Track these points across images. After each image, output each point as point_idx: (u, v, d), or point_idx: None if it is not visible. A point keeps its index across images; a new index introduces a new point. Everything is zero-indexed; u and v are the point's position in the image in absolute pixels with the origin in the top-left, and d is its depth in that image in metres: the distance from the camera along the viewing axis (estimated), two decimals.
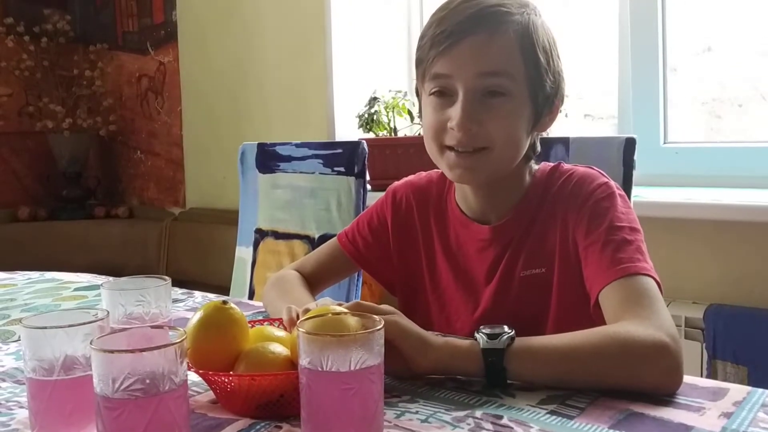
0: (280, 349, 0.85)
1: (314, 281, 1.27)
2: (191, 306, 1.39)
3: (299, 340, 0.70)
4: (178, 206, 3.35)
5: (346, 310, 0.86)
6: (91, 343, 0.65)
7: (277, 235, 1.82)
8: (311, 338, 0.69)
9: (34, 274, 1.75)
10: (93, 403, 0.68)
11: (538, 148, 1.13)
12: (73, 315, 0.80)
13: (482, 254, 1.13)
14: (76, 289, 1.55)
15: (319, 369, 0.68)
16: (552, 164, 1.14)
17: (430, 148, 1.09)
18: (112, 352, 0.64)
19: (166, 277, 0.97)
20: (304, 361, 0.70)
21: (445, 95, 1.05)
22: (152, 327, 0.71)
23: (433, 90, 1.06)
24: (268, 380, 0.80)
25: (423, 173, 1.26)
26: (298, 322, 0.72)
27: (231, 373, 0.83)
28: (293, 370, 0.83)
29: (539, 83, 1.05)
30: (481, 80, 1.02)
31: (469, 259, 1.15)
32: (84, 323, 0.74)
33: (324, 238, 1.72)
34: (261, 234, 1.86)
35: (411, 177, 1.26)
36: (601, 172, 1.12)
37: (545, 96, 1.07)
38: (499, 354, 0.88)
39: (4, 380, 0.98)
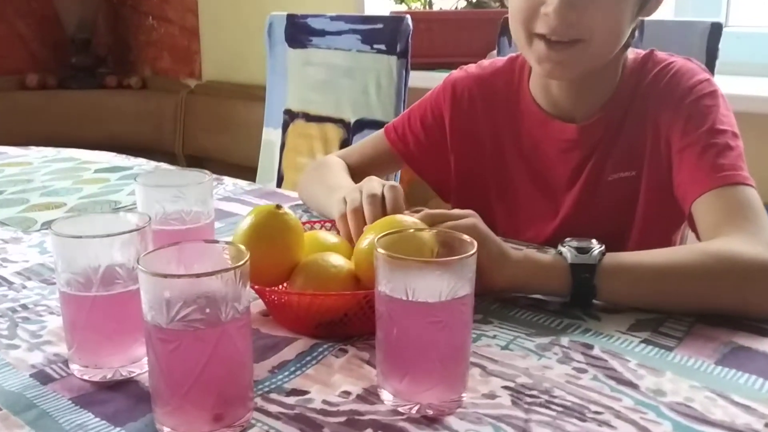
0: (341, 262, 0.75)
1: (357, 175, 1.16)
2: (222, 194, 1.29)
3: (377, 262, 0.60)
4: (194, 78, 3.18)
5: (415, 220, 0.76)
6: (138, 263, 0.55)
7: (309, 118, 1.69)
8: (395, 263, 0.59)
9: (50, 152, 1.64)
10: (137, 320, 0.59)
11: (636, 34, 0.98)
12: (109, 219, 0.70)
13: (565, 156, 1.01)
14: (96, 171, 1.45)
15: (403, 299, 0.58)
16: (644, 52, 1.00)
17: (517, 35, 0.95)
18: (165, 276, 0.53)
19: (207, 172, 0.86)
20: (383, 287, 0.60)
21: None
22: (206, 242, 0.61)
23: None
24: (332, 299, 0.71)
25: (485, 62, 1.12)
26: (376, 240, 0.61)
27: (290, 290, 0.74)
28: (356, 286, 0.74)
29: None
30: None
31: (549, 161, 1.03)
32: (127, 232, 0.64)
33: (360, 123, 1.60)
34: (291, 115, 1.73)
35: (471, 67, 1.12)
36: (702, 66, 0.98)
37: None
38: (591, 270, 0.78)
39: (29, 278, 0.90)
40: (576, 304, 0.80)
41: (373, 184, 0.86)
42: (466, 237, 0.63)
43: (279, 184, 1.74)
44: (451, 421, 0.60)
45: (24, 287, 0.87)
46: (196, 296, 0.54)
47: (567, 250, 0.80)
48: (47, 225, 1.09)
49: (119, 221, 0.70)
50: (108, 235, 0.63)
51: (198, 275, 0.53)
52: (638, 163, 0.99)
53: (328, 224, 0.91)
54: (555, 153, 1.02)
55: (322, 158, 1.21)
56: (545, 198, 1.05)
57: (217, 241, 0.60)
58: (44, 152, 1.64)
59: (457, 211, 0.82)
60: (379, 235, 0.62)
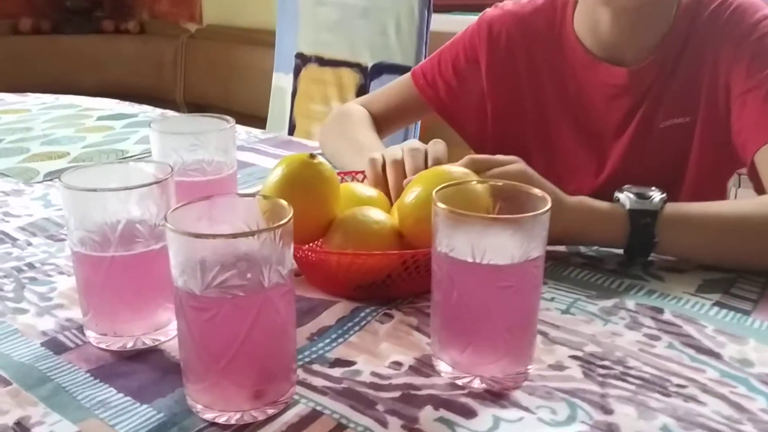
0: (382, 217, 0.68)
1: (381, 124, 1.08)
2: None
3: (436, 218, 0.53)
4: (195, 22, 3.06)
5: (464, 170, 0.68)
6: (165, 220, 0.47)
7: (322, 62, 1.60)
8: (460, 219, 0.51)
9: (48, 98, 1.55)
10: (161, 282, 0.52)
11: None
12: (123, 170, 0.62)
13: (614, 103, 0.93)
14: (99, 118, 1.36)
15: (468, 260, 0.51)
16: None
17: None
18: (199, 236, 0.46)
19: (228, 118, 0.78)
20: (444, 247, 0.52)
21: None
22: (241, 196, 0.53)
23: None
24: (376, 259, 0.63)
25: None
26: (435, 193, 0.54)
27: (328, 249, 0.66)
28: (399, 243, 0.67)
29: None
30: None
31: (595, 108, 0.95)
32: (149, 184, 0.56)
33: (378, 67, 1.50)
34: (303, 59, 1.63)
35: (508, 4, 1.02)
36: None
37: None
38: (652, 217, 0.71)
39: (34, 234, 0.82)
40: (633, 256, 0.74)
41: (415, 142, 0.80)
42: (535, 191, 0.55)
43: (291, 132, 1.65)
44: (519, 396, 0.53)
45: (29, 244, 0.80)
46: (235, 259, 0.47)
47: (625, 196, 0.73)
48: (50, 176, 1.02)
49: (135, 172, 0.63)
50: (127, 188, 0.55)
51: (237, 235, 0.46)
52: (693, 108, 0.91)
53: (359, 176, 0.83)
54: (602, 99, 0.94)
55: (343, 107, 1.12)
56: (590, 148, 0.97)
57: (252, 195, 0.53)
58: (42, 99, 1.55)
59: (501, 157, 0.75)
60: (437, 188, 0.55)
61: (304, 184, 0.67)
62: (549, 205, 0.52)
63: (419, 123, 1.43)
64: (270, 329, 0.49)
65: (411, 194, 0.66)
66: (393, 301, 0.67)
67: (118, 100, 1.54)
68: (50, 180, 1.00)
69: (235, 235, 0.46)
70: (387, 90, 1.12)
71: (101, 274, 0.57)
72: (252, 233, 0.46)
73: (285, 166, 0.67)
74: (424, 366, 0.57)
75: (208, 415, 0.50)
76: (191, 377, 0.50)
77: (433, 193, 0.54)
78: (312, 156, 0.68)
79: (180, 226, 0.47)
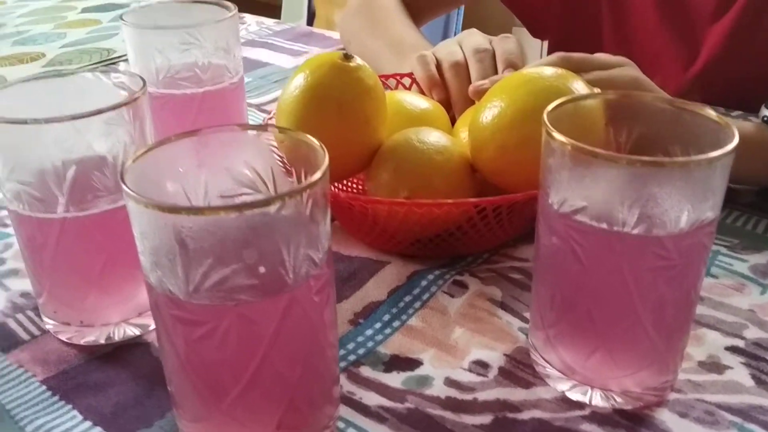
0: (447, 143, 0.49)
1: (416, 11, 0.86)
2: (244, 37, 1.00)
3: (552, 158, 0.34)
4: None
5: (559, 71, 0.48)
6: (123, 179, 0.29)
7: None
8: (596, 164, 0.32)
9: None
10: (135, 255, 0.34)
11: None
12: (86, 83, 0.43)
13: None
14: (84, 10, 1.15)
15: (606, 228, 0.32)
16: None
17: None
18: (172, 210, 0.27)
19: (230, 4, 0.58)
20: (564, 205, 0.34)
21: None
22: (242, 127, 0.34)
23: None
24: (444, 210, 0.45)
25: None
26: (546, 115, 0.34)
27: (375, 193, 0.48)
28: (471, 179, 0.48)
29: None
30: None
31: None
32: (107, 110, 0.37)
33: None
34: None
35: None
36: None
37: None
38: None
39: None
40: None
41: (477, 37, 0.60)
42: (702, 110, 0.35)
43: (310, 22, 1.43)
44: (668, 420, 0.36)
45: None
46: (238, 243, 0.28)
47: None
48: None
49: (97, 87, 0.44)
50: (74, 117, 0.37)
51: (242, 207, 0.27)
52: None
53: (406, 78, 0.63)
54: None
55: None
56: (680, 32, 0.76)
57: (264, 127, 0.34)
58: None
59: (603, 56, 0.55)
60: (551, 107, 0.35)
61: (338, 99, 0.47)
62: (736, 139, 0.32)
63: (462, 9, 1.20)
64: (300, 343, 0.31)
65: (490, 111, 0.46)
66: (462, 260, 0.49)
67: None
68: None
69: (238, 207, 0.27)
70: None
71: (50, 243, 0.39)
72: (265, 202, 0.27)
73: (309, 74, 0.48)
74: (520, 368, 0.40)
75: None
76: (185, 413, 0.33)
77: (544, 115, 0.34)
78: (346, 56, 0.48)
79: (146, 188, 0.28)
